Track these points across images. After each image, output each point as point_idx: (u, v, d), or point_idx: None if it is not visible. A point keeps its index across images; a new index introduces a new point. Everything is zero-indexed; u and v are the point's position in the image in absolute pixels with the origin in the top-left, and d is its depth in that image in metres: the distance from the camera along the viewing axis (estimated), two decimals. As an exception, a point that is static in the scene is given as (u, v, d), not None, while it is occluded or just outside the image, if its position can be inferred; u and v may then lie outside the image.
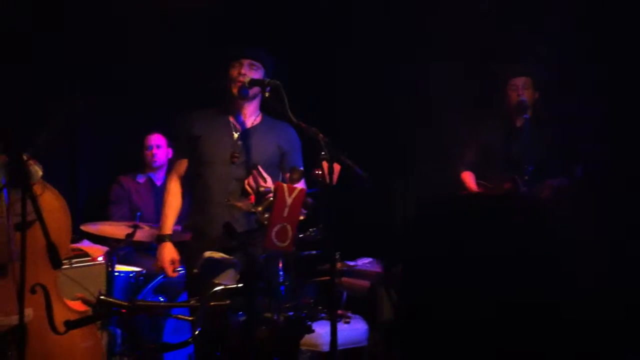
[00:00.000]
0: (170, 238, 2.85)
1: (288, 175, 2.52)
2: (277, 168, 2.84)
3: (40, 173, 2.12)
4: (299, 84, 4.23)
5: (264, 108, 2.93)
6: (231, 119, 2.87)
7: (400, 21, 4.42)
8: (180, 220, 3.00)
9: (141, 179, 4.20)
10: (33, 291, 2.25)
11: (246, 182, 2.60)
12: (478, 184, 3.74)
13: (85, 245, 3.43)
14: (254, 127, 2.87)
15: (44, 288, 2.32)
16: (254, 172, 2.58)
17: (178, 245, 2.94)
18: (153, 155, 4.15)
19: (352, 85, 4.45)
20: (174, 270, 2.84)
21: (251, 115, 2.89)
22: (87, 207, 4.28)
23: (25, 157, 2.01)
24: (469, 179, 3.75)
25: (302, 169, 2.49)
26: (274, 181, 2.59)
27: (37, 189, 2.02)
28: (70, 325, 2.01)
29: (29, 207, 1.94)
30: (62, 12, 3.95)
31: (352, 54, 4.41)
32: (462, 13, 4.16)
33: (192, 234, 2.88)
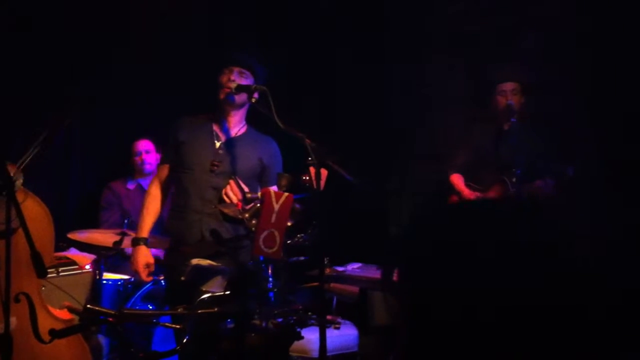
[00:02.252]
0: (146, 242, 2.83)
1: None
2: (257, 180, 2.84)
3: (21, 180, 2.10)
4: (299, 84, 4.26)
5: (251, 120, 2.93)
6: (215, 127, 2.86)
7: (398, 21, 4.44)
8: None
9: (131, 185, 4.18)
10: (17, 300, 2.23)
11: (223, 191, 2.59)
12: (467, 186, 3.76)
13: (73, 253, 3.40)
14: (237, 137, 2.87)
15: (28, 297, 2.29)
16: (231, 181, 2.57)
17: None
18: (143, 161, 4.13)
19: (350, 85, 4.46)
20: (148, 275, 2.82)
21: (236, 125, 2.88)
22: (76, 214, 4.25)
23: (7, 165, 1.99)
24: (458, 181, 3.78)
25: (288, 175, 2.48)
26: (252, 191, 2.58)
27: (18, 196, 1.99)
28: (55, 334, 1.99)
29: (11, 215, 1.91)
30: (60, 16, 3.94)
31: (351, 54, 4.43)
32: (459, 14, 4.18)
33: (170, 239, 2.87)
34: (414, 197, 4.39)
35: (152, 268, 2.82)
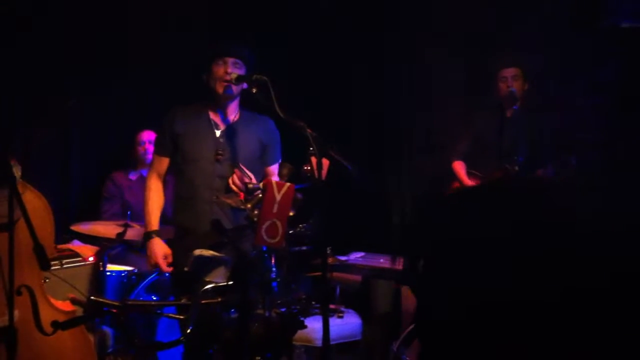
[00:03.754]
0: (158, 234, 2.84)
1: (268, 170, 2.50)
2: (259, 162, 2.85)
3: (19, 173, 2.10)
4: (298, 83, 4.25)
5: (244, 102, 2.93)
6: (212, 116, 2.86)
7: (396, 19, 4.42)
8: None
9: (133, 175, 4.18)
10: (19, 292, 2.23)
11: (230, 180, 2.59)
12: (469, 174, 3.74)
13: (76, 245, 3.41)
14: (235, 123, 2.87)
15: (29, 289, 2.30)
16: (236, 170, 2.57)
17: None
18: (146, 151, 4.13)
19: (349, 83, 4.44)
20: (169, 265, 2.83)
21: (232, 113, 2.89)
22: (78, 206, 4.26)
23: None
24: (460, 169, 3.76)
25: (290, 165, 2.48)
26: (256, 175, 2.59)
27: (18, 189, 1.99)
28: (57, 326, 2.00)
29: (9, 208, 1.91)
30: (60, 12, 3.93)
31: (350, 52, 4.41)
32: (457, 5, 4.16)
33: (176, 231, 2.87)
34: (414, 190, 4.40)
35: (170, 259, 2.83)
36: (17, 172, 2.05)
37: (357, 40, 4.41)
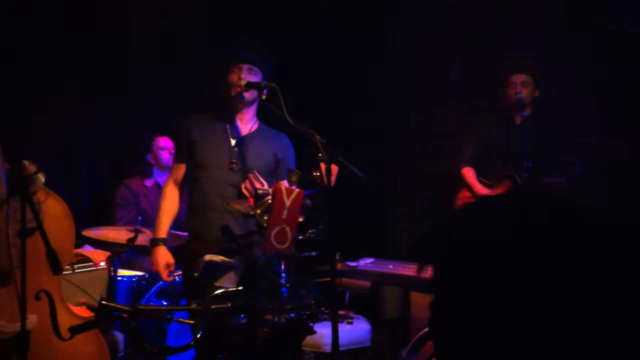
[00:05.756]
0: (165, 242, 2.87)
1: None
2: (272, 176, 2.87)
3: (43, 180, 2.12)
4: (297, 83, 4.26)
5: (261, 115, 2.96)
6: (228, 126, 2.89)
7: (396, 19, 4.44)
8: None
9: (149, 182, 4.18)
10: (37, 297, 2.26)
11: (243, 186, 2.62)
12: (478, 181, 3.74)
13: (87, 250, 3.44)
14: (251, 134, 2.90)
15: (48, 294, 2.32)
16: (250, 175, 2.60)
17: (175, 249, 2.95)
18: (171, 155, 4.06)
19: (349, 83, 4.46)
20: (169, 275, 2.86)
21: (248, 122, 2.91)
22: (89, 212, 4.28)
23: (28, 164, 2.02)
24: (470, 175, 3.74)
25: (299, 171, 2.50)
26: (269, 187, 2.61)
27: (40, 195, 2.03)
28: (74, 331, 2.02)
29: (30, 214, 1.94)
30: (63, 13, 3.97)
31: (350, 52, 4.44)
32: (457, 5, 4.17)
33: (188, 237, 2.90)
34: (415, 192, 4.40)
35: (173, 268, 2.87)
36: (40, 178, 2.07)
37: (357, 40, 4.43)
